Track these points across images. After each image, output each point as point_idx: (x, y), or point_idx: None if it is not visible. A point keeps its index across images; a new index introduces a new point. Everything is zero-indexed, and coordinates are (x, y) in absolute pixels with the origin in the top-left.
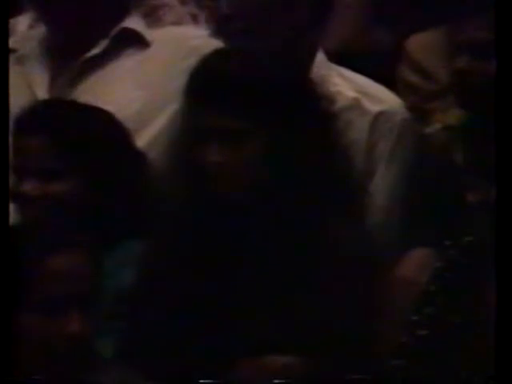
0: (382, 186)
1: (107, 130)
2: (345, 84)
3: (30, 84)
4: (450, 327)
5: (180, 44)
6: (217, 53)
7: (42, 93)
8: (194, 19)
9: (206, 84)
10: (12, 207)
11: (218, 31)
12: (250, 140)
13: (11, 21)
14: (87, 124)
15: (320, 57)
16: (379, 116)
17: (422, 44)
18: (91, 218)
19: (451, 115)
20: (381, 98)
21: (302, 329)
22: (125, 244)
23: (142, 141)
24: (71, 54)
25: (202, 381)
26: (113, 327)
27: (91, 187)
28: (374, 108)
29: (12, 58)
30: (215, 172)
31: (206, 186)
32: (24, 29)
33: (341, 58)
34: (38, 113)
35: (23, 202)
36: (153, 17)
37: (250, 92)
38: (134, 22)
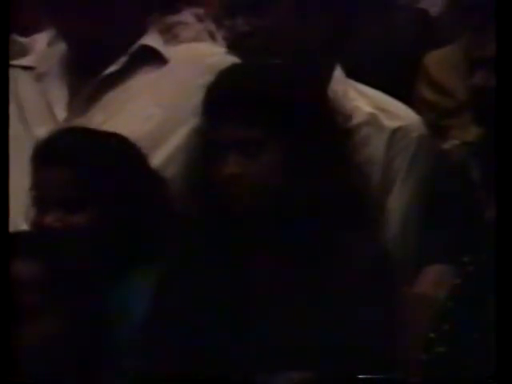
0: (398, 201)
1: (124, 156)
2: (362, 99)
3: (49, 102)
4: (470, 343)
5: (197, 61)
6: (233, 68)
7: (61, 110)
8: (212, 36)
9: (222, 98)
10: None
11: (235, 48)
12: (266, 153)
13: (30, 38)
14: (104, 152)
15: (338, 72)
16: (396, 132)
17: (440, 60)
18: (113, 245)
19: (468, 132)
20: (398, 114)
21: (315, 344)
22: (148, 270)
23: (158, 158)
24: (90, 72)
25: None
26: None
27: (112, 215)
28: (391, 124)
29: (31, 76)
30: (231, 185)
31: (222, 198)
32: (43, 46)
33: (358, 73)
34: (55, 144)
35: (46, 234)
36: (170, 34)
37: (266, 106)
38: (151, 39)
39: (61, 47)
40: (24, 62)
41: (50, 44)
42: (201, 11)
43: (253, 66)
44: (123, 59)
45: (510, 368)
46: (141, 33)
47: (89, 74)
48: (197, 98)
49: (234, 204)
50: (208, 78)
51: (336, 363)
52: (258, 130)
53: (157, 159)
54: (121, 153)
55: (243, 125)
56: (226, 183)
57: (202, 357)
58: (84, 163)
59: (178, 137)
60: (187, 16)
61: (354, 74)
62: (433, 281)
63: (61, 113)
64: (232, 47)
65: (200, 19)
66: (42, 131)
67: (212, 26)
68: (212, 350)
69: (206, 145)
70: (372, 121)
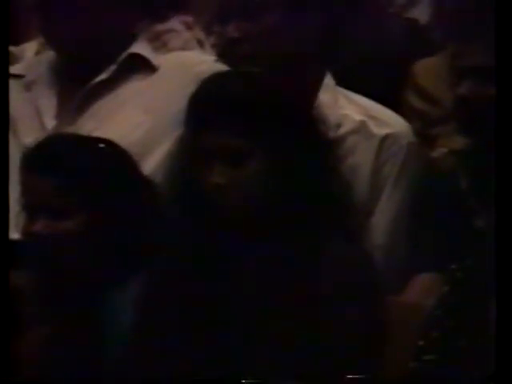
0: (387, 208)
1: (113, 161)
2: (351, 107)
3: (38, 110)
4: (457, 351)
5: (186, 69)
6: (217, 76)
7: (50, 119)
8: (200, 44)
9: (206, 106)
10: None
11: (224, 56)
12: (251, 163)
13: (19, 47)
14: (93, 158)
15: (328, 80)
16: (385, 139)
17: (428, 69)
18: (103, 253)
19: (456, 140)
20: (387, 122)
21: (303, 354)
22: (137, 279)
23: (147, 166)
24: (79, 80)
25: None
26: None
27: (102, 221)
28: (381, 131)
29: (20, 84)
30: (217, 194)
31: (208, 208)
32: (31, 54)
33: (348, 81)
34: (43, 151)
35: (35, 241)
36: (159, 42)
37: (250, 115)
38: (140, 48)
39: (50, 55)
40: (13, 70)
41: (38, 52)
42: (189, 19)
43: (237, 73)
44: (112, 67)
45: (509, 368)
46: (130, 41)
47: (78, 83)
48: (185, 105)
49: (219, 214)
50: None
51: (323, 370)
52: (242, 139)
53: (147, 166)
54: (109, 158)
55: (228, 134)
56: (212, 193)
57: (192, 365)
58: (72, 169)
59: (167, 144)
60: (176, 24)
61: (343, 81)
62: (421, 288)
63: (50, 121)
64: (221, 55)
65: (189, 27)
66: (31, 140)
67: (201, 34)
68: (201, 358)
69: (191, 154)
70: (361, 128)
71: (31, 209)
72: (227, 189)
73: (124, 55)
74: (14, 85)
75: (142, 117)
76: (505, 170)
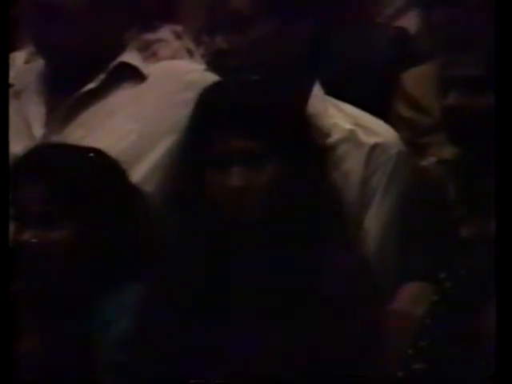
0: (377, 217)
1: (102, 171)
2: (341, 116)
3: (27, 118)
4: (448, 360)
5: (176, 78)
6: (221, 82)
7: (38, 127)
8: (190, 53)
9: (217, 111)
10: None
11: (213, 66)
12: (269, 165)
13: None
14: (82, 167)
15: (316, 89)
16: (375, 148)
17: (417, 78)
18: (93, 261)
19: (445, 149)
20: (376, 131)
21: (295, 361)
22: (129, 286)
23: (137, 174)
24: (68, 88)
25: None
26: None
27: (91, 230)
28: (370, 140)
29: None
30: (235, 197)
31: (219, 211)
32: (21, 63)
33: (337, 90)
34: (32, 160)
35: (25, 251)
36: (148, 51)
37: (260, 119)
38: (130, 57)
39: (39, 64)
40: None
41: (27, 61)
42: (179, 29)
43: (240, 81)
44: (102, 76)
45: (509, 368)
46: (119, 50)
47: (67, 91)
48: (175, 114)
49: (234, 216)
50: (186, 94)
51: (312, 377)
52: (258, 142)
53: (136, 174)
54: (98, 167)
55: (244, 138)
56: (227, 196)
57: (188, 373)
58: (61, 178)
59: (157, 153)
60: (165, 33)
61: (332, 91)
62: (410, 297)
63: (38, 130)
64: (210, 64)
65: (178, 36)
66: (20, 149)
67: (190, 44)
68: (199, 365)
69: (201, 159)
70: (351, 137)
71: (20, 218)
72: (246, 191)
73: (114, 64)
74: None
75: (131, 125)
76: (504, 178)
